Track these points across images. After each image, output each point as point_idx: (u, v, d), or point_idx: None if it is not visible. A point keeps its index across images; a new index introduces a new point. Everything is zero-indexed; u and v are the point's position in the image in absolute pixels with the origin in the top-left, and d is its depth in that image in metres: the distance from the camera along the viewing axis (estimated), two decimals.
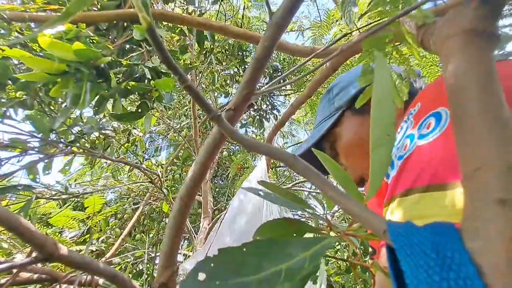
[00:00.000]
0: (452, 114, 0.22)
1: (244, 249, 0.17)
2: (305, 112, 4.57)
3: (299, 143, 4.51)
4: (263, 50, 0.44)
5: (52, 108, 1.26)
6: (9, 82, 1.06)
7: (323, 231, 0.24)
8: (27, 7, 1.27)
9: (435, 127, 0.27)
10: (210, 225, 2.33)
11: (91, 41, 0.99)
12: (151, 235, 3.03)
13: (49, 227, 2.25)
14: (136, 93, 0.84)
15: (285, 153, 0.24)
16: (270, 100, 4.05)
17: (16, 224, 0.28)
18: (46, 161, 1.27)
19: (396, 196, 0.28)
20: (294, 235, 0.24)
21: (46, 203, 2.19)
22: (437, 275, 0.13)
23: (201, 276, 0.14)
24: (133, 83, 0.80)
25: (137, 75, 0.84)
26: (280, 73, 3.73)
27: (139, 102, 0.87)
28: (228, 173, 3.50)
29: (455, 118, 0.20)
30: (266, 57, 0.45)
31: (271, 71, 3.75)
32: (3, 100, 1.18)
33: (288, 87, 4.08)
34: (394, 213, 0.27)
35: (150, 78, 0.81)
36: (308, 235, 0.24)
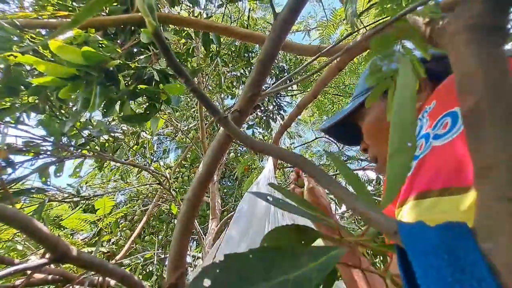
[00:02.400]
0: (462, 113, 0.21)
1: (251, 256, 0.16)
2: (312, 112, 4.54)
3: (307, 143, 4.48)
4: (267, 52, 0.44)
5: (63, 112, 1.29)
6: (22, 87, 1.09)
7: (334, 238, 0.24)
8: (39, 14, 1.30)
9: (452, 127, 0.27)
10: (218, 226, 2.33)
11: (100, 45, 1.01)
12: (160, 237, 3.06)
13: (61, 229, 2.30)
14: (144, 95, 0.85)
15: (294, 154, 0.24)
16: (277, 101, 4.04)
17: (29, 225, 0.29)
18: (57, 164, 1.30)
19: (411, 198, 0.27)
20: (303, 242, 0.23)
21: (59, 205, 2.24)
22: (449, 276, 0.12)
23: (206, 282, 0.14)
24: (141, 85, 0.81)
25: (145, 77, 0.85)
26: (286, 74, 3.72)
27: (147, 104, 0.88)
28: (236, 174, 3.51)
29: (465, 116, 0.20)
30: (271, 59, 0.44)
31: (277, 72, 3.74)
32: (16, 105, 1.22)
33: (295, 87, 4.07)
34: (409, 215, 0.27)
35: (158, 80, 0.82)
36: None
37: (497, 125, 0.19)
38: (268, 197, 0.25)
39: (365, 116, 0.54)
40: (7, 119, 1.20)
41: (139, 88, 0.81)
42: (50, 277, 0.88)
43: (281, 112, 3.90)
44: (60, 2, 1.40)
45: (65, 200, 1.66)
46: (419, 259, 0.14)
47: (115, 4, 1.13)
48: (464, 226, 0.15)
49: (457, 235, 0.14)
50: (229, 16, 2.46)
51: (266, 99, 4.03)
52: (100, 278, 0.78)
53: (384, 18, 0.45)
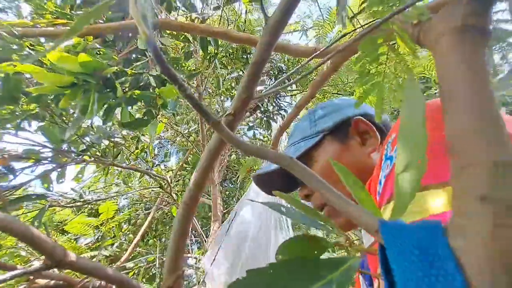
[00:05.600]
0: (443, 112, 0.22)
1: (271, 271, 0.17)
2: None
3: None
4: (260, 54, 0.44)
5: (63, 119, 1.30)
6: (22, 95, 1.11)
7: (343, 247, 0.24)
8: (37, 22, 1.32)
9: None
10: (220, 228, 2.34)
11: (98, 52, 1.02)
12: (163, 240, 3.07)
13: (65, 234, 2.32)
14: (142, 101, 0.86)
15: (282, 156, 0.25)
16: (277, 102, 4.05)
17: (25, 233, 0.29)
18: (59, 170, 1.31)
19: (382, 205, 0.31)
20: (316, 252, 0.24)
21: (61, 210, 2.25)
22: (420, 271, 0.13)
23: None
24: (138, 91, 0.82)
25: (142, 83, 0.86)
26: (285, 74, 3.73)
27: (145, 109, 0.89)
28: (238, 177, 3.51)
29: (446, 116, 0.20)
30: (263, 61, 0.45)
31: (276, 73, 3.75)
32: (17, 113, 1.23)
33: (294, 87, 4.07)
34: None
35: (155, 85, 0.83)
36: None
37: (474, 125, 0.19)
38: (282, 208, 0.25)
39: (317, 159, 0.53)
40: (8, 126, 1.22)
41: (136, 94, 0.82)
42: (52, 282, 0.89)
43: (281, 112, 3.91)
44: (58, 10, 1.42)
45: (67, 205, 1.67)
46: (394, 255, 0.14)
47: (112, 12, 1.14)
48: (438, 223, 0.15)
49: (430, 233, 0.15)
50: (226, 18, 2.47)
51: (266, 100, 4.04)
52: (103, 282, 0.79)
53: (374, 20, 0.45)
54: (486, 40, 0.24)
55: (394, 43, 0.37)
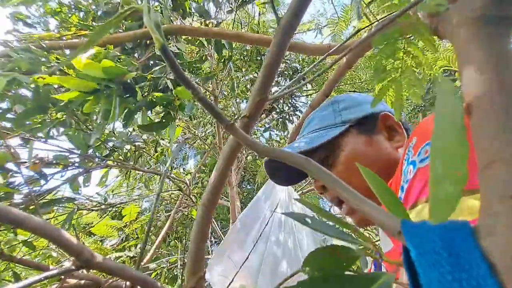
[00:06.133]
0: (466, 108, 0.21)
1: None
2: None
3: None
4: (272, 56, 0.44)
5: (88, 125, 1.37)
6: (50, 105, 1.18)
7: (370, 255, 0.24)
8: (63, 35, 1.40)
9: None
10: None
11: (118, 60, 1.07)
12: (183, 241, 3.13)
13: (91, 236, 2.43)
14: (161, 103, 0.89)
15: (297, 156, 0.25)
16: (292, 102, 4.02)
17: (56, 235, 0.31)
18: (85, 174, 1.38)
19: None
20: (344, 264, 0.23)
21: (88, 213, 2.36)
22: (449, 274, 0.12)
23: None
24: (157, 94, 0.85)
25: (160, 87, 0.89)
26: (310, 73, 3.68)
27: (164, 112, 0.92)
28: (256, 179, 3.52)
29: (473, 112, 0.19)
30: (276, 63, 0.45)
31: (291, 73, 3.73)
32: (47, 121, 1.31)
33: (309, 86, 4.03)
34: None
35: (172, 88, 0.86)
36: None
37: (501, 119, 0.18)
38: (306, 219, 0.25)
39: (343, 148, 0.52)
40: (39, 134, 1.29)
41: (155, 96, 0.85)
42: (82, 282, 0.93)
43: (297, 112, 3.87)
44: (82, 22, 1.50)
45: (93, 208, 1.75)
46: (420, 258, 0.14)
47: (130, 21, 1.19)
48: (466, 224, 0.15)
49: (458, 233, 0.14)
50: (239, 22, 2.50)
51: (282, 101, 4.02)
52: (128, 282, 0.82)
53: (389, 14, 0.44)
54: (508, 29, 0.23)
55: (411, 37, 0.36)
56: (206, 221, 0.50)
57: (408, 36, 0.35)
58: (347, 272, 0.21)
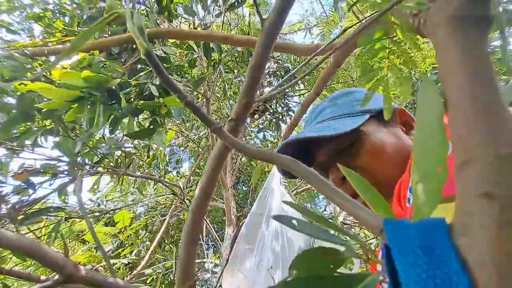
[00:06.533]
0: (447, 108, 0.21)
1: None
2: None
3: None
4: (258, 57, 0.44)
5: (76, 132, 1.34)
6: (37, 112, 1.15)
7: (362, 259, 0.23)
8: (47, 41, 1.37)
9: None
10: (235, 231, 2.34)
11: (103, 66, 1.05)
12: (179, 245, 3.10)
13: (85, 243, 2.38)
14: (147, 110, 0.87)
15: (285, 158, 0.25)
16: (285, 102, 4.02)
17: (35, 250, 0.30)
18: (74, 182, 1.35)
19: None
20: (331, 266, 0.23)
21: (81, 220, 2.32)
22: (424, 272, 0.13)
23: None
24: (142, 101, 0.83)
25: (146, 93, 0.87)
26: (298, 73, 3.70)
27: (151, 119, 0.90)
28: (251, 180, 3.51)
29: (449, 112, 0.19)
30: (261, 64, 0.44)
31: (283, 73, 3.73)
32: (34, 129, 1.28)
33: (302, 86, 4.04)
34: None
35: (158, 95, 0.84)
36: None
37: (475, 117, 0.18)
38: (292, 221, 0.24)
39: (368, 137, 0.51)
40: (27, 142, 1.26)
41: (140, 104, 0.83)
42: None
43: (290, 113, 3.88)
44: (67, 28, 1.47)
45: (84, 216, 1.72)
46: (399, 257, 0.14)
47: (115, 25, 1.17)
48: (442, 222, 0.15)
49: (434, 231, 0.14)
50: (229, 23, 2.49)
51: (275, 101, 4.02)
52: None
53: (373, 13, 0.43)
54: (486, 28, 0.23)
55: (395, 36, 0.35)
56: (196, 228, 0.48)
57: (392, 36, 0.35)
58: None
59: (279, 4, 0.42)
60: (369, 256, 0.23)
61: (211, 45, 1.43)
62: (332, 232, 0.24)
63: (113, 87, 0.82)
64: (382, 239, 0.16)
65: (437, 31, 0.25)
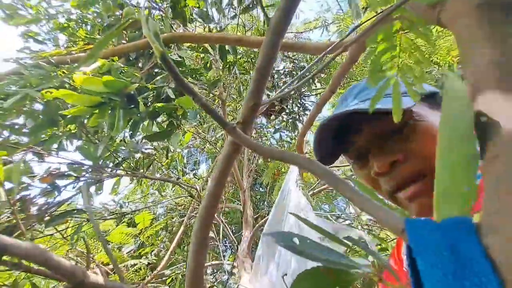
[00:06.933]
0: (470, 101, 0.19)
1: None
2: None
3: None
4: (264, 58, 0.43)
5: (99, 136, 1.40)
6: (60, 118, 1.21)
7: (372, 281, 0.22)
8: (70, 50, 1.44)
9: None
10: (252, 233, 2.33)
11: (122, 71, 1.08)
12: None
13: (108, 243, 2.48)
14: (164, 113, 0.89)
15: (299, 157, 0.24)
16: (301, 102, 3.98)
17: (43, 258, 0.31)
18: (97, 184, 1.41)
19: None
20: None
21: (104, 221, 2.41)
22: (451, 273, 0.12)
23: None
24: (159, 104, 0.85)
25: (163, 96, 0.89)
26: (308, 73, 3.65)
27: (168, 121, 0.92)
28: (263, 180, 3.50)
29: (475, 104, 0.18)
30: (268, 65, 0.43)
31: (299, 72, 3.69)
32: (60, 134, 1.35)
33: (318, 85, 3.97)
34: None
35: (174, 97, 0.86)
36: None
37: (504, 112, 0.16)
38: (294, 239, 0.22)
39: (422, 118, 0.45)
40: (52, 146, 1.33)
41: (157, 107, 0.85)
42: None
43: (307, 112, 3.83)
44: (88, 36, 1.54)
45: (105, 217, 1.79)
46: (422, 256, 0.14)
47: (133, 32, 1.21)
48: (468, 221, 0.14)
49: (460, 230, 0.14)
50: (243, 25, 2.49)
51: (291, 101, 3.99)
52: None
53: (386, 8, 0.41)
54: (508, 16, 0.21)
55: (407, 33, 0.33)
56: (204, 232, 0.48)
57: (404, 32, 0.32)
58: None
59: (285, 3, 0.41)
60: (381, 278, 0.21)
61: (227, 47, 1.44)
62: (340, 251, 0.22)
63: (132, 92, 0.85)
64: (404, 240, 0.15)
65: (458, 21, 0.23)
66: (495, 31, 0.21)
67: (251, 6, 1.67)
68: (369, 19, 0.60)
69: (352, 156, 0.51)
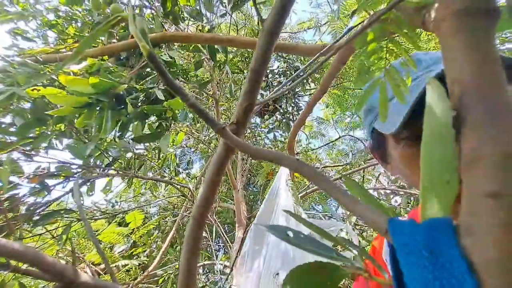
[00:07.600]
0: (453, 106, 0.20)
1: None
2: (334, 110, 4.42)
3: (331, 142, 4.36)
4: (258, 59, 0.43)
5: (89, 135, 1.38)
6: (49, 117, 1.18)
7: (362, 275, 0.22)
8: (59, 48, 1.41)
9: None
10: (245, 233, 2.33)
11: (111, 71, 1.06)
12: None
13: (100, 243, 2.44)
14: (153, 114, 0.88)
15: (290, 158, 0.24)
16: (295, 102, 3.99)
17: (32, 257, 0.30)
18: (88, 184, 1.38)
19: None
20: (328, 283, 0.21)
21: (95, 221, 2.38)
22: (430, 273, 0.13)
23: None
24: (148, 106, 0.84)
25: (152, 97, 0.88)
26: (302, 73, 3.65)
27: (157, 123, 0.91)
28: (257, 180, 3.50)
29: (454, 108, 0.18)
30: (262, 66, 0.43)
31: (293, 72, 3.70)
32: (48, 133, 1.32)
33: (312, 85, 3.99)
34: None
35: (163, 99, 0.85)
36: None
37: (482, 116, 0.17)
38: (288, 232, 0.23)
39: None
40: (40, 145, 1.30)
41: (146, 108, 0.84)
42: None
43: (300, 112, 3.84)
44: (78, 34, 1.51)
45: (95, 217, 1.76)
46: (404, 257, 0.14)
47: (122, 30, 1.19)
48: (448, 222, 0.15)
49: (440, 232, 0.14)
50: (235, 24, 2.48)
51: (285, 101, 3.99)
52: None
53: (375, 12, 0.41)
54: (492, 22, 0.21)
55: (395, 36, 0.33)
56: (197, 234, 0.48)
57: (392, 36, 0.33)
58: None
59: (279, 4, 0.41)
60: (371, 274, 0.22)
61: (216, 46, 1.43)
62: (330, 245, 0.23)
63: (121, 93, 0.83)
64: (387, 239, 0.16)
65: (441, 26, 0.24)
66: (471, 38, 0.22)
67: (239, 2, 1.66)
68: (359, 23, 0.60)
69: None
